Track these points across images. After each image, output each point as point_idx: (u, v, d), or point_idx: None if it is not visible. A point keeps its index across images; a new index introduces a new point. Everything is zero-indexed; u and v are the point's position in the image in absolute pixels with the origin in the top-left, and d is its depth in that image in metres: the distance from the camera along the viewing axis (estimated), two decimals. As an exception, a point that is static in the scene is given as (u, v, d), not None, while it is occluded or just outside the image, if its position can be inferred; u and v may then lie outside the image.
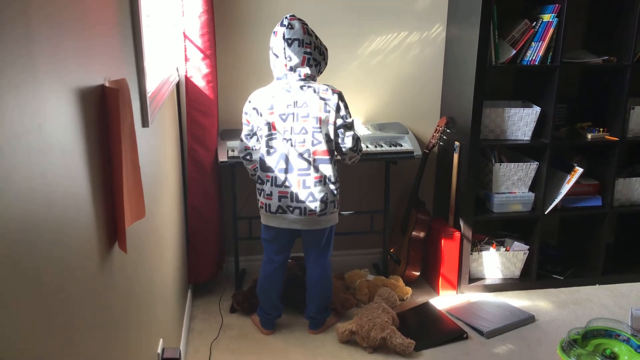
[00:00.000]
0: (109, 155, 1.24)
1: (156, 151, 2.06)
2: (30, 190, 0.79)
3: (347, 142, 2.56)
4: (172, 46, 2.81)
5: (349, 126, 2.56)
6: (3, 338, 0.68)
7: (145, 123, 1.68)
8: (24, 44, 0.79)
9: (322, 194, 2.53)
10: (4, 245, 0.69)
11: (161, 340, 1.94)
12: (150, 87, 1.92)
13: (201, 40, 2.81)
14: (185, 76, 2.86)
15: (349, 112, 2.56)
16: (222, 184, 3.22)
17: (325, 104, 2.49)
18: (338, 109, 2.51)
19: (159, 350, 1.88)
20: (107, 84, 1.22)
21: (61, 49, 0.95)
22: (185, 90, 2.88)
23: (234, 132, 3.08)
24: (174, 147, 2.71)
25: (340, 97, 2.54)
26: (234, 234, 3.16)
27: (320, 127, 2.50)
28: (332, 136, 2.54)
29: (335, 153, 2.61)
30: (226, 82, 3.15)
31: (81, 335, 1.02)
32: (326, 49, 2.59)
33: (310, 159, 2.51)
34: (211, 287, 3.22)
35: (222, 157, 2.91)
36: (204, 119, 2.92)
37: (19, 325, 0.73)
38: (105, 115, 1.22)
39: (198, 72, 2.85)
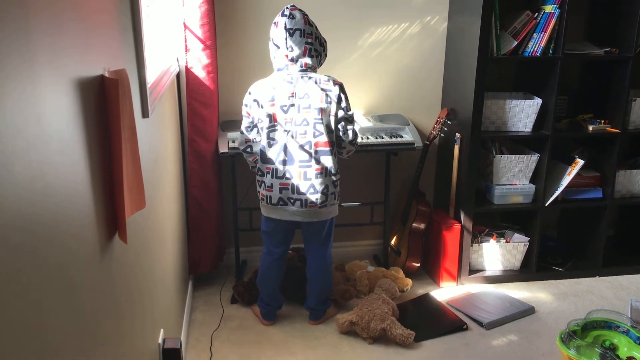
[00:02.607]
0: (108, 146, 1.24)
1: (156, 142, 2.05)
2: (29, 180, 0.79)
3: (349, 135, 2.56)
4: (172, 36, 2.80)
5: (350, 119, 2.56)
6: (3, 328, 0.68)
7: (145, 114, 1.68)
8: (23, 36, 0.78)
9: (322, 186, 2.52)
10: (2, 235, 0.69)
11: (162, 330, 1.95)
12: (151, 77, 1.92)
13: (201, 30, 2.79)
14: (186, 67, 2.85)
15: (349, 105, 2.56)
16: (223, 175, 3.22)
17: (327, 95, 2.49)
18: (339, 100, 2.51)
19: (160, 341, 1.89)
20: (106, 75, 1.22)
21: (60, 40, 0.95)
22: (185, 81, 2.87)
23: (235, 123, 3.07)
24: (175, 138, 2.71)
25: (342, 88, 2.53)
26: (235, 225, 3.16)
27: (321, 118, 2.49)
28: (332, 127, 2.53)
29: None
30: (227, 73, 3.14)
31: (82, 325, 1.03)
32: (325, 41, 2.58)
33: (312, 151, 2.50)
34: (212, 278, 3.23)
35: (223, 148, 2.91)
36: (204, 109, 2.91)
37: (19, 315, 0.73)
38: (105, 106, 1.22)
39: (198, 62, 2.84)
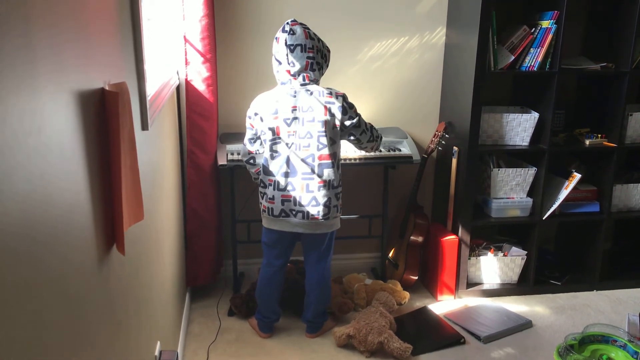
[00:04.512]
0: (108, 157, 1.25)
1: (156, 154, 2.07)
2: (28, 191, 0.80)
3: (363, 139, 2.62)
4: (172, 50, 2.83)
5: (357, 125, 2.58)
6: (1, 337, 0.68)
7: (145, 126, 1.70)
8: (25, 49, 0.80)
9: (325, 199, 2.53)
10: (2, 245, 0.70)
11: (159, 343, 1.94)
12: (151, 90, 1.94)
13: (201, 43, 2.82)
14: (186, 79, 2.87)
15: (355, 111, 2.57)
16: (221, 187, 3.23)
17: (329, 107, 2.51)
18: (344, 111, 2.53)
19: (157, 353, 1.88)
20: (107, 88, 1.23)
21: (62, 53, 0.96)
22: (185, 94, 2.89)
23: (234, 136, 3.09)
24: (174, 150, 2.72)
25: (345, 99, 2.55)
26: (233, 237, 3.17)
27: (325, 131, 2.51)
28: (336, 139, 2.55)
29: (356, 148, 2.73)
30: (226, 86, 3.16)
31: (78, 337, 1.03)
32: (328, 50, 2.60)
33: (315, 164, 2.52)
34: (209, 291, 3.23)
35: (222, 161, 2.92)
36: (203, 122, 2.93)
37: (16, 328, 0.74)
38: (105, 118, 1.23)
39: (198, 75, 2.86)
